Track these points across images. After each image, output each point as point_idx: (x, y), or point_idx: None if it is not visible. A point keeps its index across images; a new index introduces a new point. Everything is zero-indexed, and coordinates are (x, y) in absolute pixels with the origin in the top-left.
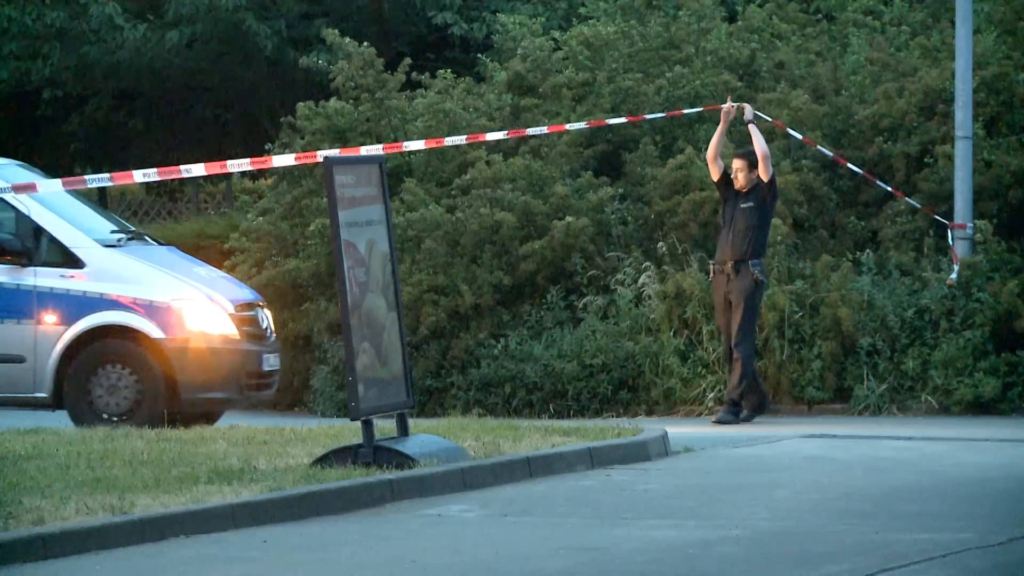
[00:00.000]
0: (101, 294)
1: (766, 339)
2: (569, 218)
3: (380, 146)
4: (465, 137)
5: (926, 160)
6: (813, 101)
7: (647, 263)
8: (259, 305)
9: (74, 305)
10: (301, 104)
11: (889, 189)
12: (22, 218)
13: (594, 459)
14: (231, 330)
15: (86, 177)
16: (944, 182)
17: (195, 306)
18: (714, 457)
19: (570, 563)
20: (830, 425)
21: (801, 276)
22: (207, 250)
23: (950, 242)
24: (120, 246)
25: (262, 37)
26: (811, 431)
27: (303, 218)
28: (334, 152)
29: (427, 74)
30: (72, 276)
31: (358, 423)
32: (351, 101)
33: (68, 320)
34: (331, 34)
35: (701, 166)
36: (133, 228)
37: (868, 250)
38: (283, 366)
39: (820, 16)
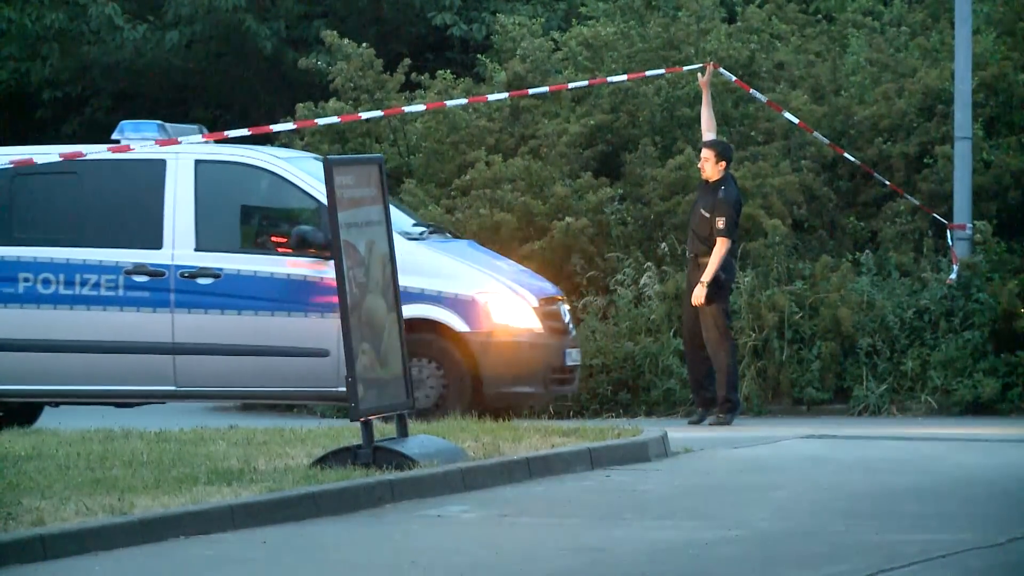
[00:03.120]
0: (405, 287)
1: (766, 339)
2: (569, 219)
3: (380, 112)
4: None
5: (925, 160)
6: (812, 102)
7: (648, 263)
8: (559, 299)
9: None
10: (300, 105)
11: (886, 183)
12: (324, 210)
13: (594, 460)
14: (535, 324)
15: (82, 148)
16: (943, 182)
17: (500, 299)
18: (714, 458)
19: (570, 564)
20: (830, 426)
21: (801, 276)
22: None
23: (949, 242)
24: (423, 239)
25: (261, 38)
26: (811, 431)
27: None
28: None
29: (426, 75)
30: None
31: (357, 424)
32: (350, 102)
33: None
34: (330, 35)
35: None
36: (432, 222)
37: (868, 250)
38: None
39: (819, 17)
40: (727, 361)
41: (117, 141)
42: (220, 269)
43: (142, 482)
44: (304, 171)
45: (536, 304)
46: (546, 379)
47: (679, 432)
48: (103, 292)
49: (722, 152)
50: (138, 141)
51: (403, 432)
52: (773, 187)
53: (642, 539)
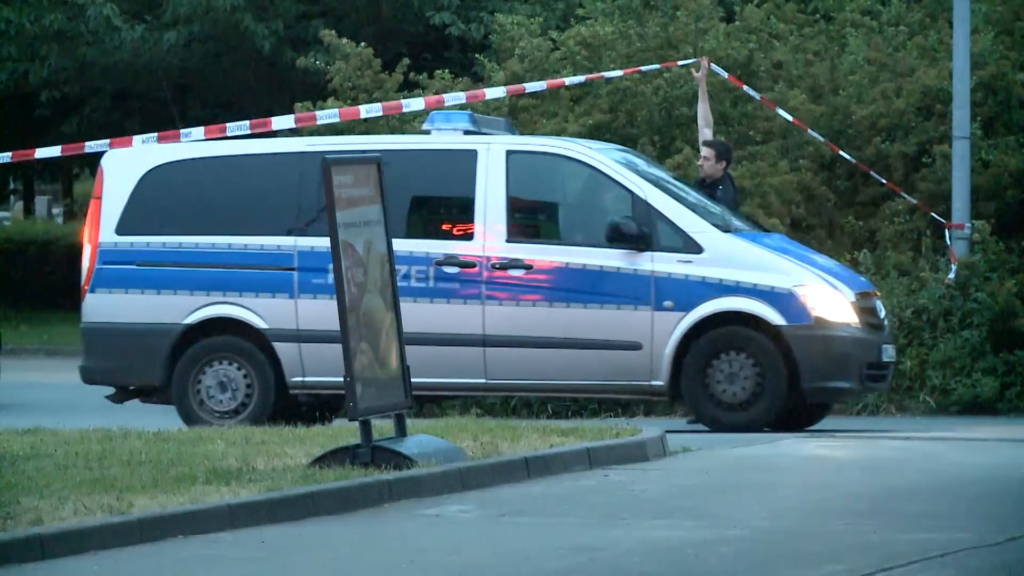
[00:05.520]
0: (720, 280)
1: None
2: None
3: (379, 105)
4: (546, 83)
5: (924, 160)
6: (811, 101)
7: None
8: (875, 294)
9: (692, 291)
10: (299, 104)
11: (884, 182)
12: (638, 202)
13: (592, 459)
14: (852, 318)
15: (86, 144)
16: (942, 182)
17: (817, 293)
18: (712, 457)
19: (568, 563)
20: (828, 425)
21: None
22: None
23: (948, 242)
24: (735, 231)
25: (259, 37)
26: (809, 431)
27: None
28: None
29: (425, 74)
30: (690, 261)
31: (356, 423)
32: (348, 101)
33: (686, 306)
34: (328, 34)
35: None
36: (745, 215)
37: (866, 250)
38: None
39: (818, 16)
40: None
41: (427, 132)
42: (532, 260)
43: (140, 482)
44: (615, 161)
45: (853, 298)
46: (862, 374)
47: (678, 432)
48: (413, 283)
49: (722, 152)
50: (449, 132)
51: (401, 432)
52: (771, 186)
53: (641, 538)
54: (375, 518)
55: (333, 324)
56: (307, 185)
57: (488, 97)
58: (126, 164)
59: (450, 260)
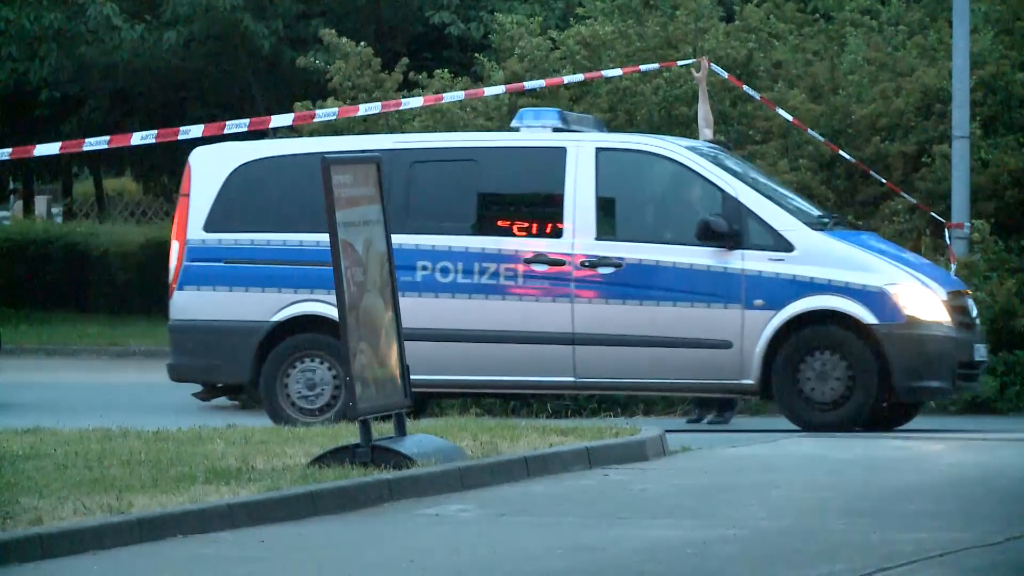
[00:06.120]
0: (811, 278)
1: None
2: None
3: (379, 104)
4: (545, 81)
5: (923, 159)
6: (810, 101)
7: None
8: (966, 293)
9: (783, 289)
10: (298, 104)
11: (884, 182)
12: (728, 199)
13: (592, 459)
14: (944, 317)
15: (85, 140)
16: (941, 181)
17: (910, 291)
18: (712, 457)
19: (568, 563)
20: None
21: None
22: None
23: (947, 241)
24: (827, 229)
25: (259, 37)
26: (809, 431)
27: None
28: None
29: (424, 74)
30: (781, 259)
31: (356, 423)
32: (348, 101)
33: (776, 304)
34: (328, 34)
35: None
36: (835, 213)
37: None
38: None
39: (817, 16)
40: None
41: (516, 129)
42: (621, 258)
43: (140, 481)
44: (705, 158)
45: (945, 297)
46: (954, 374)
47: (677, 431)
48: (502, 281)
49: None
50: (538, 129)
51: (401, 431)
52: None
53: (640, 538)
54: (375, 518)
55: (421, 322)
56: (395, 182)
57: (487, 95)
58: (214, 161)
59: (539, 258)
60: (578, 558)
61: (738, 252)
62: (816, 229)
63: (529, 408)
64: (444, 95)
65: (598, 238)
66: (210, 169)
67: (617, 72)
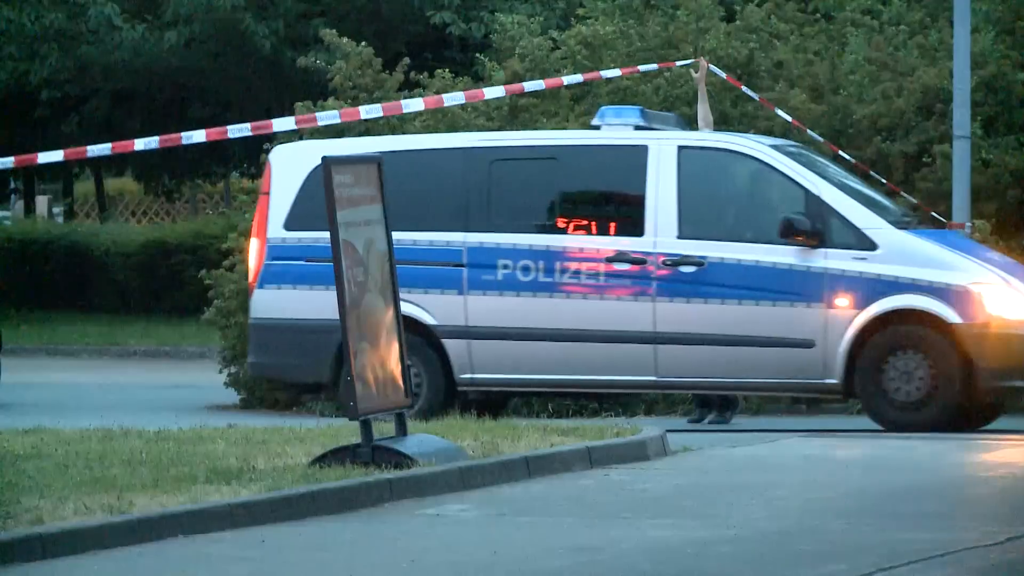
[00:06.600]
0: (895, 277)
1: None
2: None
3: (380, 105)
4: (544, 83)
5: (924, 159)
6: (811, 101)
7: None
8: None
9: (866, 288)
10: (299, 104)
11: (884, 182)
12: (811, 198)
13: (593, 459)
14: None
15: (88, 148)
16: (942, 181)
17: (994, 290)
18: (712, 457)
19: (568, 563)
20: (829, 424)
21: None
22: (205, 250)
23: None
24: (911, 227)
25: (260, 37)
26: (809, 430)
27: None
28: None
29: (425, 74)
30: (864, 258)
31: (356, 423)
32: (349, 101)
33: (859, 304)
34: (329, 34)
35: None
36: (917, 212)
37: None
38: None
39: (818, 16)
40: None
41: (597, 127)
42: (704, 257)
43: (141, 481)
44: (788, 157)
45: None
46: None
47: (678, 431)
48: (583, 280)
49: None
50: (619, 127)
51: (402, 431)
52: None
53: (641, 538)
54: (375, 517)
55: (503, 321)
56: (476, 180)
57: (487, 96)
58: (295, 159)
59: (620, 257)
60: (579, 558)
61: (821, 251)
62: (900, 228)
63: (529, 408)
64: (444, 97)
65: (680, 237)
66: (290, 167)
67: (616, 72)
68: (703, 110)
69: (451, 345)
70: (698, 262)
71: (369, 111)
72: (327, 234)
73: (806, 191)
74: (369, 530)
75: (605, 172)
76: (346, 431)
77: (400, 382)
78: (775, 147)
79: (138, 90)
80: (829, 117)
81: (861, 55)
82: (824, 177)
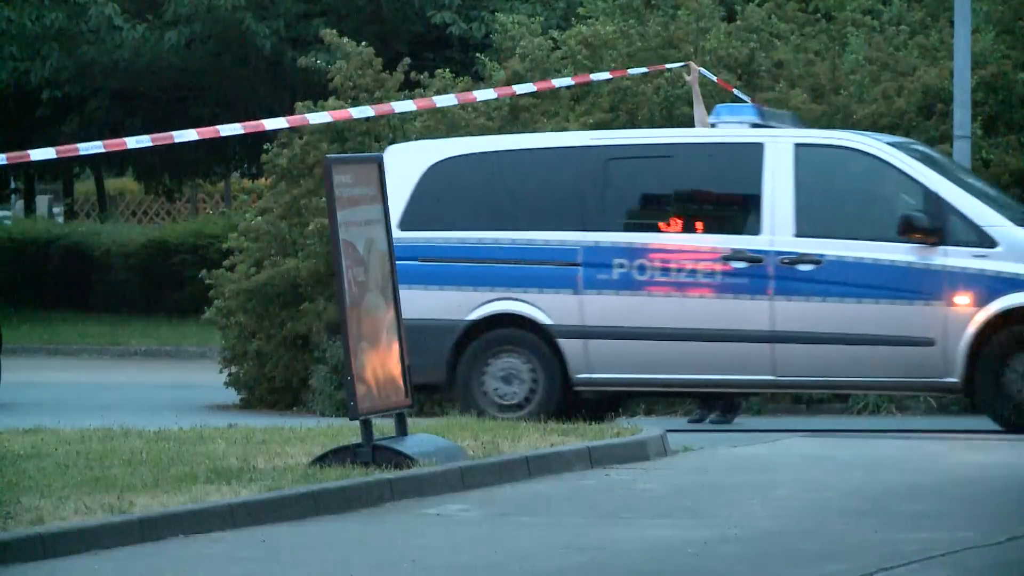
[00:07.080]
0: (1016, 275)
1: None
2: None
3: (370, 108)
4: (535, 86)
5: None
6: (812, 100)
7: None
8: None
9: (987, 286)
10: (299, 104)
11: None
12: (929, 196)
13: (593, 458)
14: None
15: (79, 145)
16: None
17: None
18: (713, 456)
19: (569, 562)
20: (829, 424)
21: None
22: (205, 249)
23: None
24: None
25: (260, 37)
26: (810, 430)
27: (302, 218)
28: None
29: (425, 74)
30: (984, 256)
31: (357, 422)
32: (349, 101)
33: (979, 302)
34: (329, 34)
35: None
36: None
37: None
38: (280, 366)
39: (819, 15)
40: None
41: (713, 124)
42: (821, 255)
43: (141, 481)
44: (905, 154)
45: None
46: None
47: (678, 431)
48: (699, 279)
49: None
50: (735, 125)
51: (402, 431)
52: None
53: (641, 538)
54: (376, 517)
55: (619, 320)
56: (591, 179)
57: (478, 100)
58: (409, 159)
59: (737, 255)
60: (579, 558)
61: (940, 248)
62: (1020, 225)
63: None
64: (435, 99)
65: (797, 235)
66: (404, 167)
67: (605, 75)
68: (699, 112)
69: (566, 345)
70: (816, 260)
71: (360, 112)
72: (441, 234)
73: (925, 188)
74: (369, 530)
75: (721, 170)
76: (346, 431)
77: (400, 382)
78: (894, 144)
79: (139, 90)
80: (830, 117)
81: (862, 55)
82: (943, 174)
